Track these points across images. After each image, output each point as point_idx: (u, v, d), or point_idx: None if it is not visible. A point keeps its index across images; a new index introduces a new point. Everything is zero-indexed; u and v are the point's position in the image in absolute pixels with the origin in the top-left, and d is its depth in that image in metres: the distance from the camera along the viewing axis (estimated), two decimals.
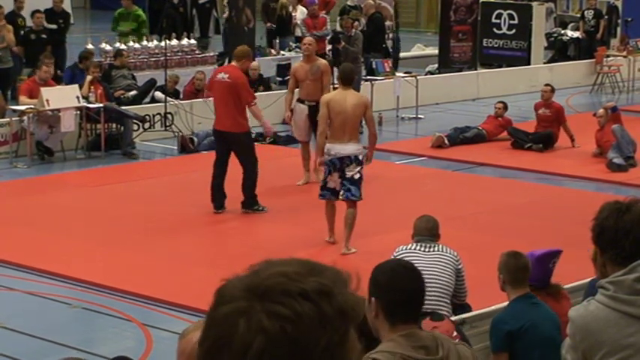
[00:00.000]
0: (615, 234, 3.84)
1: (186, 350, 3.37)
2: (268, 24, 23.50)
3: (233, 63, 13.26)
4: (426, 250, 8.00)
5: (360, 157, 11.55)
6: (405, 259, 8.00)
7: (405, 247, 8.12)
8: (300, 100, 14.53)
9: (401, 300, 4.08)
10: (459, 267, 8.00)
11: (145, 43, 19.89)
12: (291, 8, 23.55)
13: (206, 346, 1.82)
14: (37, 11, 19.97)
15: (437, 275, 7.82)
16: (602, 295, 3.82)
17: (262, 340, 1.75)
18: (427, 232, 8.17)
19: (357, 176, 11.52)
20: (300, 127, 14.59)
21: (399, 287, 4.12)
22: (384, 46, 22.75)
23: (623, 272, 3.77)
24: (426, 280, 7.62)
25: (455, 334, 6.21)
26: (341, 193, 11.56)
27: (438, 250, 8.05)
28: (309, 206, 12.96)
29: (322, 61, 14.75)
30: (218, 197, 13.07)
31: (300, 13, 22.63)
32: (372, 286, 4.15)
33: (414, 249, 8.03)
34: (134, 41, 19.90)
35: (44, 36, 19.66)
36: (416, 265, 8.04)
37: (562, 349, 4.14)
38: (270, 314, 1.76)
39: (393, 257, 8.12)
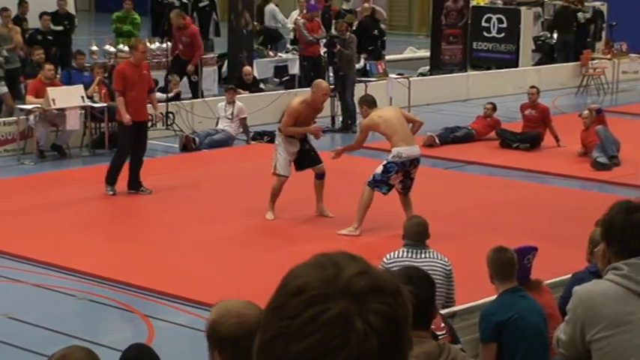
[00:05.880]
0: (623, 231, 3.97)
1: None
2: (256, 24, 23.93)
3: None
4: (416, 256, 7.96)
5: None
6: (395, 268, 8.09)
7: (394, 254, 8.08)
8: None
9: None
10: (449, 269, 8.05)
11: (146, 44, 20.22)
12: (298, 11, 24.04)
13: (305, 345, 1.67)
14: (45, 13, 20.38)
15: None
16: (614, 275, 3.95)
17: (375, 340, 1.69)
18: (417, 236, 8.13)
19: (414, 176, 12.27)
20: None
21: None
22: (370, 48, 23.09)
23: (638, 258, 3.95)
24: None
25: (442, 325, 6.26)
26: (400, 188, 12.17)
27: (428, 257, 8.03)
28: (312, 203, 13.11)
29: None
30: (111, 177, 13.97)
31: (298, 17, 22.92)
32: None
33: (404, 256, 8.00)
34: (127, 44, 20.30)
35: (50, 37, 20.06)
36: None
37: (556, 331, 4.33)
38: (378, 312, 1.71)
39: (381, 266, 8.05)
